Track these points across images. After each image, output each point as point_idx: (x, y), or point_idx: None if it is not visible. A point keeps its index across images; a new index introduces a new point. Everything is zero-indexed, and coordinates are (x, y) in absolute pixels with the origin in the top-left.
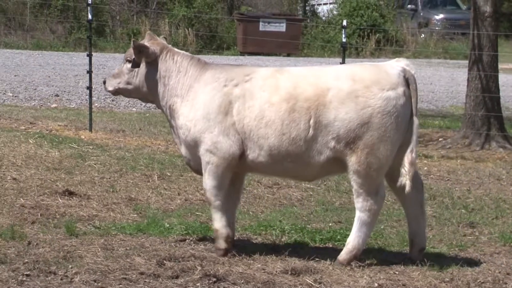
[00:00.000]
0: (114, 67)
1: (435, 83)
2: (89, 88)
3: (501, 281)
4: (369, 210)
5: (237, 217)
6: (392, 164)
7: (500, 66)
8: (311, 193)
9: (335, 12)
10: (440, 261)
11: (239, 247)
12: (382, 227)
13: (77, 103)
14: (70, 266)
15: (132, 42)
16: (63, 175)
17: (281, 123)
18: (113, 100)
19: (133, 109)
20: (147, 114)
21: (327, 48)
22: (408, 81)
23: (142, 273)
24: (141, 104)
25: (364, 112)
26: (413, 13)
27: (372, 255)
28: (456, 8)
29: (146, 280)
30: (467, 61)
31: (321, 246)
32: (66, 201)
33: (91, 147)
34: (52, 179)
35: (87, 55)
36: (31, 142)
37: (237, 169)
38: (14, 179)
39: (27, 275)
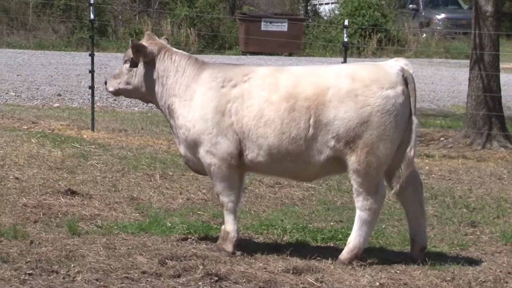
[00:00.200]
0: (116, 66)
1: (437, 83)
2: (91, 87)
3: (502, 280)
4: (369, 209)
5: (239, 216)
6: (391, 163)
7: (502, 65)
8: (312, 192)
9: (336, 12)
10: (442, 260)
11: (241, 246)
12: (383, 226)
13: (79, 102)
14: (72, 265)
15: (130, 42)
16: (65, 175)
17: (281, 122)
18: (115, 100)
19: (135, 108)
20: (149, 114)
21: (328, 48)
22: (406, 80)
23: (144, 272)
24: (143, 104)
25: (364, 111)
26: (415, 12)
27: (373, 254)
28: (458, 7)
29: (148, 279)
30: (468, 61)
31: (322, 245)
32: (68, 200)
33: (93, 146)
34: (55, 179)
35: (89, 55)
36: (33, 141)
37: (237, 169)
38: (17, 178)
39: (30, 274)
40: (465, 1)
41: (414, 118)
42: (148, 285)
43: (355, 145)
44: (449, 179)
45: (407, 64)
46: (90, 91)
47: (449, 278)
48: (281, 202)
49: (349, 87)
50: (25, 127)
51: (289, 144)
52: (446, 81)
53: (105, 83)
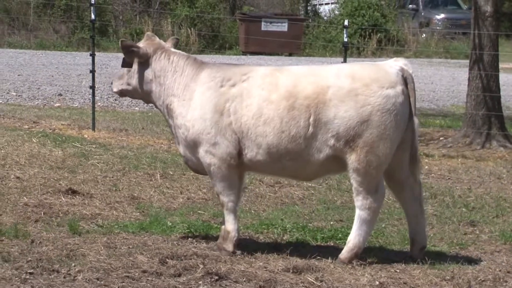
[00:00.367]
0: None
1: (436, 83)
2: (92, 87)
3: (501, 279)
4: (369, 208)
5: (239, 215)
6: (390, 163)
7: (501, 65)
8: (312, 191)
9: (336, 12)
10: (441, 259)
11: (241, 245)
12: (383, 226)
13: (80, 102)
14: (73, 264)
15: (120, 42)
16: (66, 174)
17: (280, 121)
18: (116, 100)
19: (136, 108)
20: (150, 113)
21: (328, 48)
22: (406, 80)
23: (144, 271)
24: (143, 104)
25: (364, 110)
26: (414, 13)
27: (373, 253)
28: (457, 8)
29: (149, 278)
30: (468, 61)
31: (322, 244)
32: (69, 199)
33: (94, 146)
34: (55, 178)
35: (90, 55)
36: (34, 141)
37: (236, 168)
38: (18, 177)
39: (31, 273)
40: (465, 1)
41: (415, 119)
42: (148, 284)
43: (355, 144)
44: (449, 178)
45: (407, 64)
46: (91, 91)
47: (448, 277)
48: (281, 201)
49: (349, 86)
50: (26, 126)
51: (288, 143)
52: (446, 81)
53: (111, 83)
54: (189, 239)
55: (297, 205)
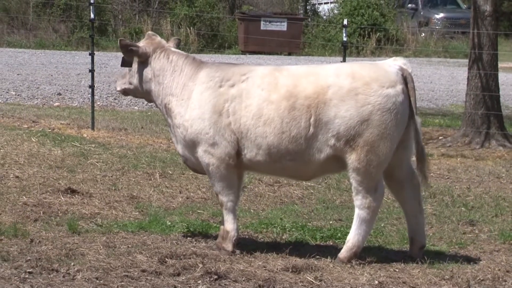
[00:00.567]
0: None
1: (435, 82)
2: (91, 86)
3: (500, 279)
4: (368, 208)
5: (238, 215)
6: (390, 162)
7: (500, 65)
8: (311, 191)
9: (336, 11)
10: (440, 258)
11: (241, 245)
12: (382, 225)
13: (80, 101)
14: (72, 264)
15: (118, 41)
16: (65, 173)
17: (281, 122)
18: (115, 99)
19: (135, 107)
20: (149, 113)
21: (328, 47)
22: (406, 79)
23: (144, 271)
24: (143, 103)
25: (364, 110)
26: (414, 12)
27: (372, 252)
28: (456, 7)
29: (148, 277)
30: (467, 60)
31: (321, 244)
32: (69, 199)
33: (93, 145)
34: (55, 177)
35: (90, 54)
36: (33, 140)
37: (235, 168)
38: (17, 177)
39: (30, 273)
40: (464, 0)
41: (417, 118)
42: (148, 284)
43: (355, 143)
44: (448, 178)
45: (406, 63)
46: (90, 90)
47: (447, 277)
48: (280, 200)
49: (349, 85)
50: (26, 126)
51: (289, 143)
52: (445, 80)
53: (115, 82)
54: (188, 238)
55: (296, 205)
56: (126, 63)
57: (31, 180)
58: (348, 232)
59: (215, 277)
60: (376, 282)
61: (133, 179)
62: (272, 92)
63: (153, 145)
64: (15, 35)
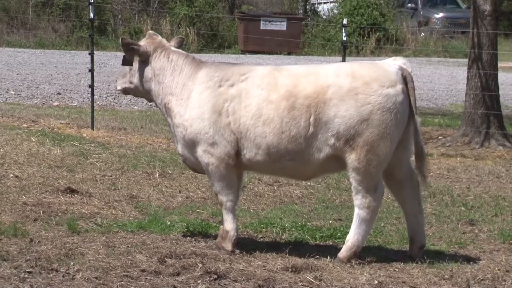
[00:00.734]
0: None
1: (435, 82)
2: (91, 86)
3: (500, 278)
4: (368, 207)
5: (238, 214)
6: (389, 162)
7: (500, 64)
8: (311, 191)
9: (335, 11)
10: (440, 258)
11: (240, 244)
12: (382, 225)
13: (79, 101)
14: (72, 263)
15: (120, 40)
16: (65, 173)
17: (281, 121)
18: (114, 98)
19: (135, 107)
20: (149, 112)
21: (327, 47)
22: (405, 79)
23: (143, 270)
24: (142, 102)
25: (364, 109)
26: (413, 12)
27: (372, 252)
28: (456, 7)
29: (148, 277)
30: (466, 60)
31: (321, 243)
32: (68, 198)
33: (93, 145)
34: (54, 177)
35: (89, 54)
36: (33, 140)
37: (235, 168)
38: (17, 176)
39: (29, 272)
40: (463, 0)
41: (417, 118)
42: (147, 283)
43: (355, 143)
44: (448, 177)
45: (406, 63)
46: (90, 89)
47: (447, 276)
48: (280, 200)
49: (349, 85)
50: (25, 125)
51: (288, 143)
52: (445, 80)
53: (116, 81)
54: (188, 238)
55: (296, 204)
56: (127, 62)
57: (30, 180)
58: (348, 232)
59: (215, 276)
60: (376, 281)
61: (133, 179)
62: (272, 92)
63: (152, 145)
64: (15, 34)
